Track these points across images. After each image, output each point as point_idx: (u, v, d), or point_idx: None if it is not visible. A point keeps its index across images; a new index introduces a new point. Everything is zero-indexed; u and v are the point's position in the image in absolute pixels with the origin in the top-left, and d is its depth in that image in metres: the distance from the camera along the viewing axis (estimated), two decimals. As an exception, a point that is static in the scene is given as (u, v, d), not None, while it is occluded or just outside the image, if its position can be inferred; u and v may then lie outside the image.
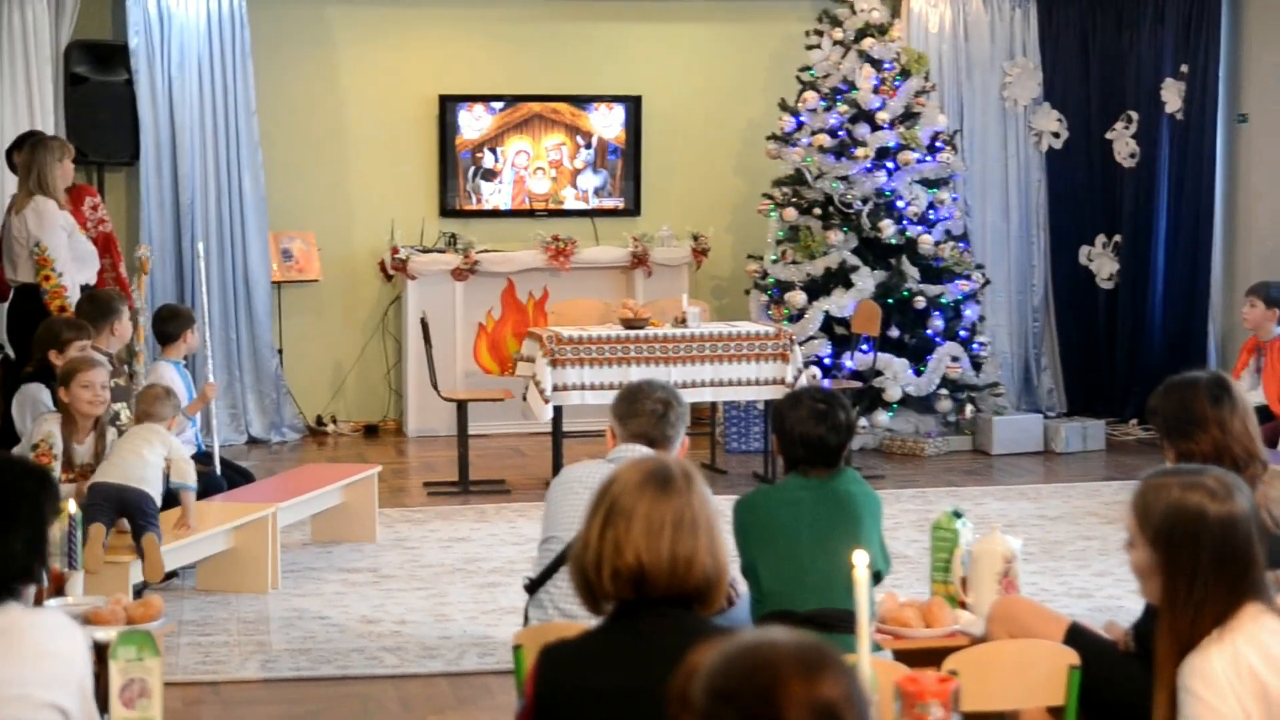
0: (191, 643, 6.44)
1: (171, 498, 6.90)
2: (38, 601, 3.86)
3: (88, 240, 8.50)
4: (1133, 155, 11.83)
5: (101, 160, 10.71)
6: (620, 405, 4.88)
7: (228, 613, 6.88)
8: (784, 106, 11.15)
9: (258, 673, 6.12)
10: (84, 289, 8.24)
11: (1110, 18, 11.94)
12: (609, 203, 11.89)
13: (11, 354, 8.46)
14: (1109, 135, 11.94)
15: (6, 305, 8.65)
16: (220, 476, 7.85)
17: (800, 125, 11.01)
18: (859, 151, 10.74)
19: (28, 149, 8.37)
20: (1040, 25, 12.02)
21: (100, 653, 3.06)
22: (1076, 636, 4.31)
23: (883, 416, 10.71)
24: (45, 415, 6.84)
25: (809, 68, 11.18)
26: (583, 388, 9.20)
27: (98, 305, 7.79)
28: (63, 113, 10.44)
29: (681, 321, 9.54)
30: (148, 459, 6.66)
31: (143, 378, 7.84)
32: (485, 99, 11.61)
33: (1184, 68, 11.46)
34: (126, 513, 6.51)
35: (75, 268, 8.28)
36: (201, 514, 7.17)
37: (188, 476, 6.85)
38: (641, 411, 4.82)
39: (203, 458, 7.95)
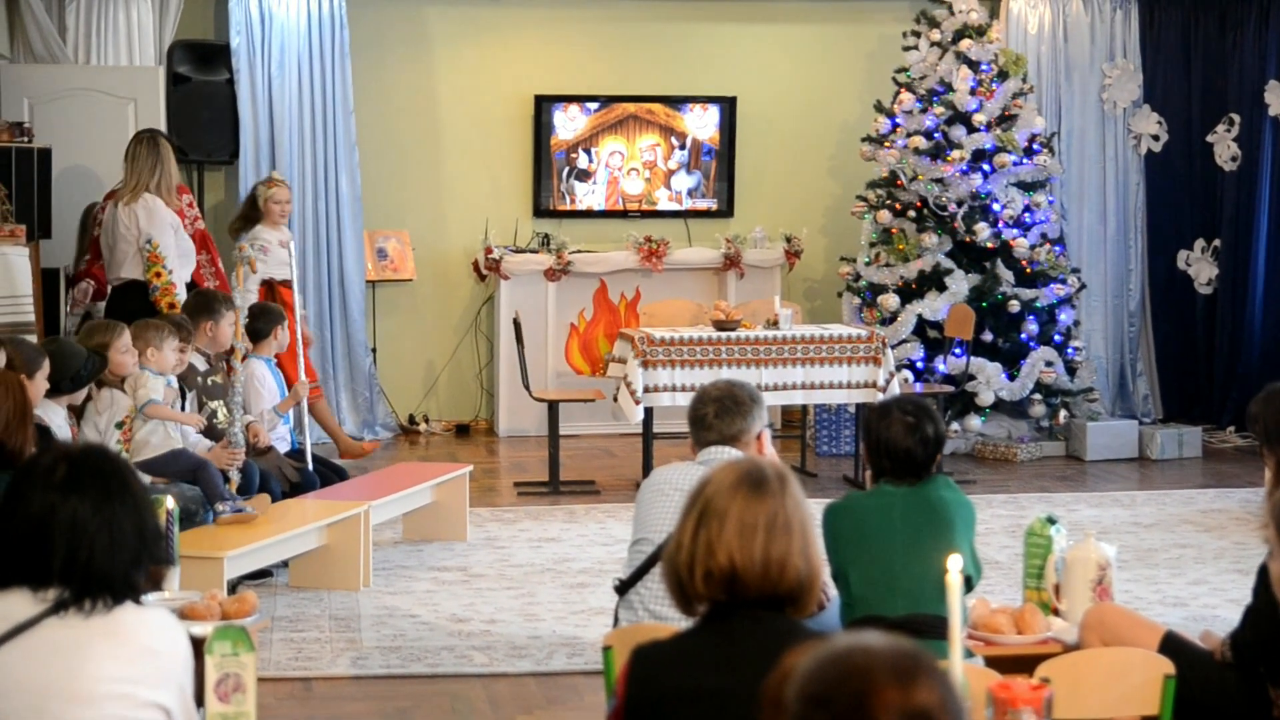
0: (284, 638, 6.50)
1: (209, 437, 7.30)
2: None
3: (188, 238, 8.60)
4: (1234, 159, 11.67)
5: (202, 159, 10.83)
6: (687, 416, 4.89)
7: (320, 609, 6.93)
8: (879, 108, 11.09)
9: (349, 669, 6.16)
10: (186, 286, 8.34)
11: (1213, 19, 11.78)
12: (702, 204, 11.88)
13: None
14: (1210, 138, 11.78)
15: (104, 304, 8.74)
16: (313, 473, 7.91)
17: (895, 127, 10.95)
18: (954, 154, 10.67)
19: (146, 145, 8.45)
20: (1141, 27, 11.87)
21: (196, 647, 3.08)
22: (1172, 645, 4.25)
23: (975, 421, 10.63)
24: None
25: (905, 69, 11.12)
26: (674, 389, 9.19)
27: (199, 302, 7.86)
28: (165, 112, 10.57)
29: (773, 323, 9.51)
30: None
31: (239, 374, 7.91)
32: (580, 99, 11.63)
33: (1288, 70, 11.31)
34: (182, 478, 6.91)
35: (179, 264, 8.39)
36: (295, 511, 7.28)
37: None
38: (694, 418, 4.82)
39: (296, 455, 8.03)
